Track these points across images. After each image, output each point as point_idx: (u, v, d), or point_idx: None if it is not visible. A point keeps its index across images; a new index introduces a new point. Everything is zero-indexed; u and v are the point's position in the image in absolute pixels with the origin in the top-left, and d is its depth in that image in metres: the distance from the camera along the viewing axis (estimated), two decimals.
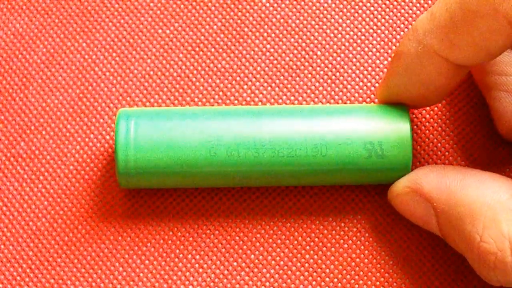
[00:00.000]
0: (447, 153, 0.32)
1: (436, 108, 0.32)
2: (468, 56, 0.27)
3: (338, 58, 0.33)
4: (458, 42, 0.27)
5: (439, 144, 0.32)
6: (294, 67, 0.33)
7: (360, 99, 0.32)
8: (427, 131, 0.32)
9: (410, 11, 0.33)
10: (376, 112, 0.30)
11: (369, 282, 0.30)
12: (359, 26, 0.33)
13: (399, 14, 0.33)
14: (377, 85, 0.33)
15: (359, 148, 0.29)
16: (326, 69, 0.33)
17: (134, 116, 0.30)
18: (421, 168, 0.29)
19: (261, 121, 0.29)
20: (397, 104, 0.30)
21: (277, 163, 0.29)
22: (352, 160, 0.29)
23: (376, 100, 0.32)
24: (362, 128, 0.29)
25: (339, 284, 0.30)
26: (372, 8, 0.33)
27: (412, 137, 0.29)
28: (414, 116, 0.32)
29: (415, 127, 0.32)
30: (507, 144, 0.32)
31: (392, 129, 0.29)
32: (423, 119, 0.32)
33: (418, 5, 0.33)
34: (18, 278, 0.30)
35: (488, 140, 0.32)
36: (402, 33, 0.33)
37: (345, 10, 0.33)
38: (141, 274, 0.31)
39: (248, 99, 0.32)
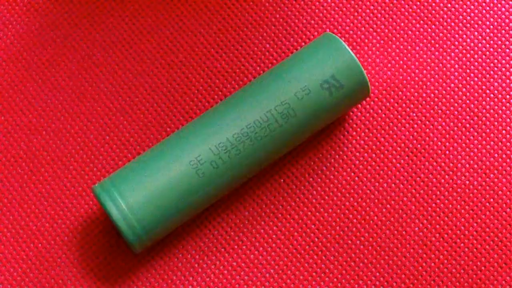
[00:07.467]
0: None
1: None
2: None
3: None
4: None
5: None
6: None
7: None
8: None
9: (414, 13, 0.33)
10: (313, 55, 0.30)
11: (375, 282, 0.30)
12: (359, 25, 0.33)
13: (399, 12, 0.33)
14: (377, 84, 0.32)
15: (319, 92, 0.29)
16: None
17: (113, 186, 0.29)
18: None
19: (225, 120, 0.29)
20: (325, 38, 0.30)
21: (259, 147, 0.29)
22: (319, 106, 0.29)
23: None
24: (311, 75, 0.29)
25: (339, 284, 0.30)
26: (372, 7, 0.33)
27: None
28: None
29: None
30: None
31: (335, 58, 0.30)
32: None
33: (421, 7, 0.33)
34: (18, 278, 0.31)
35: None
36: (402, 32, 0.33)
37: (344, 9, 0.33)
38: (141, 274, 0.31)
39: None
